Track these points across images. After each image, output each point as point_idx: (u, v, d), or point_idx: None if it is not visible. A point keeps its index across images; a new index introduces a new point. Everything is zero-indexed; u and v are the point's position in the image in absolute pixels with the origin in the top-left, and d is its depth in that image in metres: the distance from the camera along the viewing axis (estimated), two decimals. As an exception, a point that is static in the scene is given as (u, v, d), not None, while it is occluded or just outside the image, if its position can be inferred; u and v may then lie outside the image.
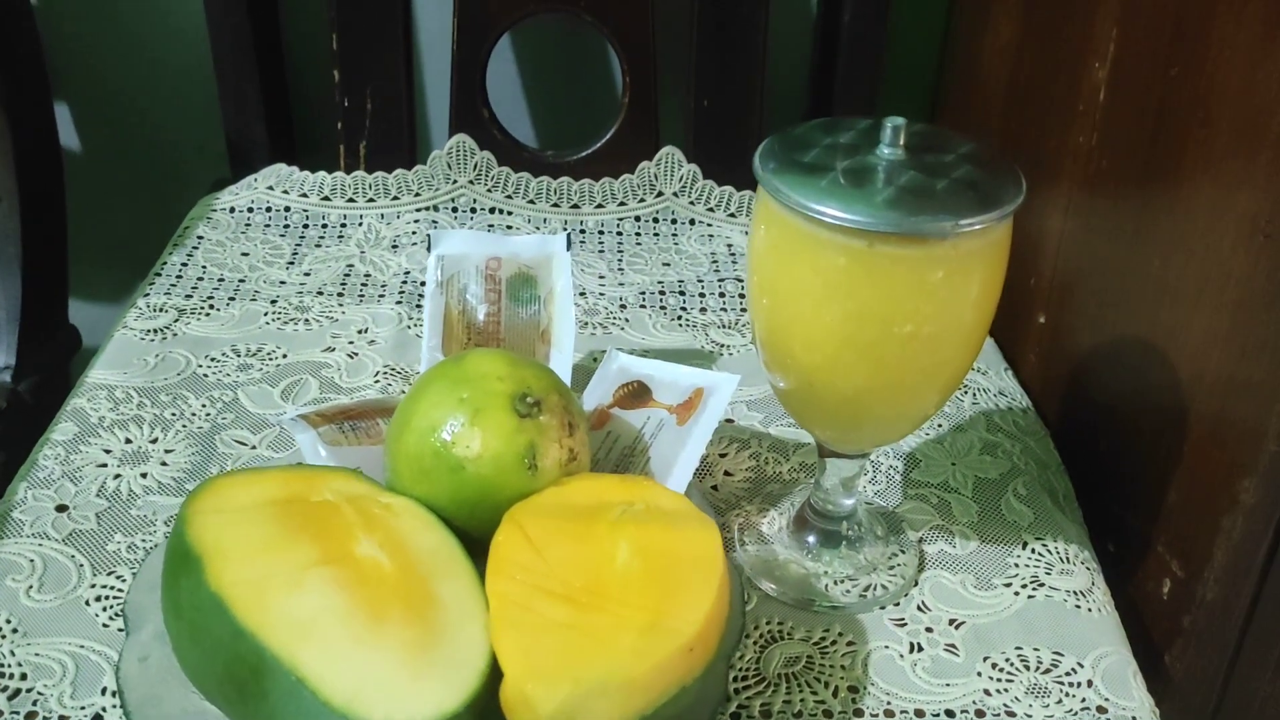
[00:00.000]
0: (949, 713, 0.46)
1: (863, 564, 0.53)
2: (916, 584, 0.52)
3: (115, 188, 0.91)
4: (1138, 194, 0.57)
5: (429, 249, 0.61)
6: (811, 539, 0.53)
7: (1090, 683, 0.48)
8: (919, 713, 0.46)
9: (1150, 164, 0.55)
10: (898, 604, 0.51)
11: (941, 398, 0.48)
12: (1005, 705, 0.47)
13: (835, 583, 0.52)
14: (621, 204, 0.80)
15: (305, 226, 0.78)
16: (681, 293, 0.74)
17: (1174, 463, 0.54)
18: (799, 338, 0.45)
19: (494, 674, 0.39)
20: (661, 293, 0.74)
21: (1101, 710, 0.47)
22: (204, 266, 0.74)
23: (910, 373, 0.45)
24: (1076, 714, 0.47)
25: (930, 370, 0.45)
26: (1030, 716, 0.46)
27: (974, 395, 0.65)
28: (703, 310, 0.72)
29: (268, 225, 0.78)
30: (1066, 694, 0.47)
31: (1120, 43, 0.58)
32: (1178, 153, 0.53)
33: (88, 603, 0.49)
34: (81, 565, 0.51)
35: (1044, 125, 0.67)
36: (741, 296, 0.73)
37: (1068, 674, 0.48)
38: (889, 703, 0.47)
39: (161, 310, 0.69)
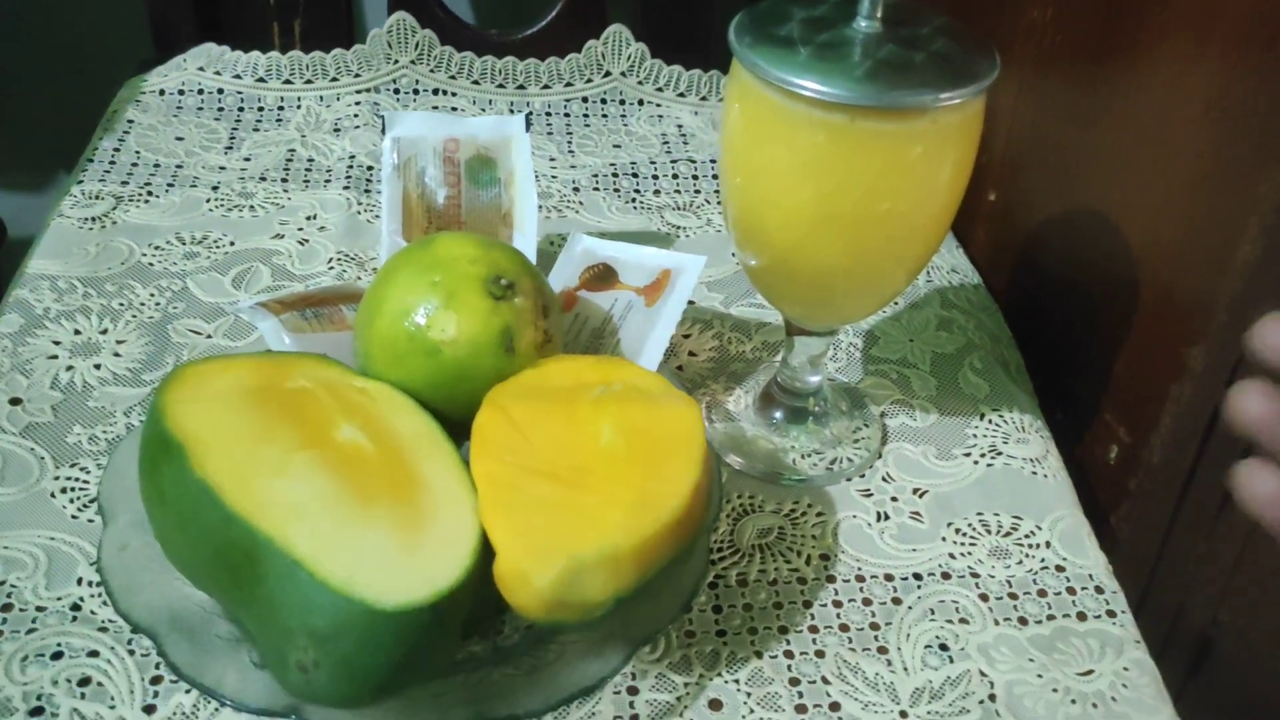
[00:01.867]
0: (916, 575, 0.48)
1: (828, 438, 0.54)
2: (880, 456, 0.54)
3: (30, 69, 0.86)
4: (1092, 71, 0.57)
5: (383, 131, 0.59)
6: (778, 415, 0.55)
7: (1048, 544, 0.50)
8: (888, 577, 0.48)
9: (1105, 42, 0.56)
10: (863, 476, 0.53)
11: (910, 276, 0.48)
12: (969, 567, 0.49)
13: (802, 456, 0.53)
14: (569, 85, 0.79)
15: (241, 110, 0.75)
16: (634, 175, 0.73)
17: (1123, 334, 0.55)
18: (774, 216, 0.45)
19: (485, 552, 0.39)
20: (614, 175, 0.73)
21: (1060, 569, 0.49)
22: (138, 152, 0.71)
23: (884, 251, 0.45)
24: (1036, 573, 0.49)
25: (903, 248, 0.46)
26: (994, 577, 0.49)
27: (928, 273, 0.66)
28: (656, 193, 0.71)
29: (200, 108, 0.75)
30: (1026, 555, 0.50)
31: (1078, -84, 0.58)
32: (1134, 31, 0.53)
33: (53, 495, 0.49)
34: (43, 458, 0.50)
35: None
36: (695, 178, 0.73)
37: (1026, 536, 0.50)
38: (859, 569, 0.49)
39: (98, 198, 0.67)
